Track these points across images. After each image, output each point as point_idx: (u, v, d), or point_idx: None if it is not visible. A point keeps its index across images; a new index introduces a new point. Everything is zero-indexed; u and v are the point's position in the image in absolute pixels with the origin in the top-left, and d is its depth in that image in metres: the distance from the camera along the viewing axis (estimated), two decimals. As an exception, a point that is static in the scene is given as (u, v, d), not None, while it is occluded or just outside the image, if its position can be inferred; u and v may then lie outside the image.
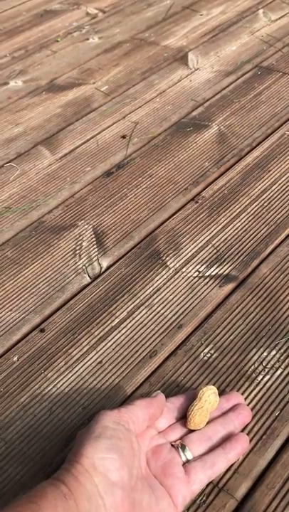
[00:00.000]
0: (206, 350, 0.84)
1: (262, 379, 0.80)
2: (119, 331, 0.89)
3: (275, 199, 1.08)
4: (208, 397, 0.72)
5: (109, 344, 0.87)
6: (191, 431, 0.71)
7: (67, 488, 0.58)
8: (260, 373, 0.81)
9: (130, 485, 0.62)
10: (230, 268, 0.96)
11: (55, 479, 0.60)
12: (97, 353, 0.86)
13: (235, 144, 1.22)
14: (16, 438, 0.77)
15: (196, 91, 1.42)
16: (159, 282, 0.96)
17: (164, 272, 0.97)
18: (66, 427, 0.77)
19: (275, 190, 1.10)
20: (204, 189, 1.13)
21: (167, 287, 0.95)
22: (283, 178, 1.12)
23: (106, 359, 0.85)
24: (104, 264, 1.01)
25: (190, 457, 0.68)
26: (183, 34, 1.68)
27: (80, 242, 1.05)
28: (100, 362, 0.85)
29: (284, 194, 1.09)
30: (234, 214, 1.06)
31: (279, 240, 1.00)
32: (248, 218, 1.04)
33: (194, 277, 0.96)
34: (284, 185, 1.11)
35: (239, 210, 1.07)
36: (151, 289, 0.95)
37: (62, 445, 0.75)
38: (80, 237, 1.06)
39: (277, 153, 1.19)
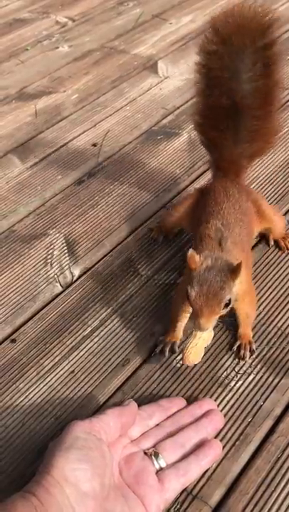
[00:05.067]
0: (178, 357, 0.84)
1: (234, 385, 0.80)
2: (92, 340, 0.88)
3: (246, 205, 1.09)
4: (202, 335, 0.73)
5: (81, 353, 0.86)
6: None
7: (38, 501, 0.58)
8: (232, 379, 0.81)
9: (102, 495, 0.61)
10: (201, 275, 0.96)
11: (26, 492, 0.59)
12: (69, 362, 0.85)
13: (205, 151, 1.23)
14: (-13, 451, 0.75)
15: (166, 99, 1.43)
16: (131, 290, 0.95)
17: (136, 279, 0.97)
18: (38, 438, 0.77)
19: (246, 196, 1.11)
20: (175, 196, 1.14)
21: (139, 295, 0.95)
22: (254, 184, 1.14)
23: (78, 368, 0.84)
24: (76, 272, 1.00)
25: (163, 465, 0.68)
26: (152, 42, 1.69)
27: (51, 250, 1.04)
28: (73, 371, 0.84)
29: (254, 200, 1.10)
30: (205, 221, 1.07)
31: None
32: (218, 225, 1.05)
33: (166, 284, 0.96)
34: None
35: (210, 216, 1.07)
36: (124, 297, 0.94)
37: (34, 457, 0.74)
38: (52, 246, 1.05)
39: (247, 160, 1.20)
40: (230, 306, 0.74)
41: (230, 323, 0.83)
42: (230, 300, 0.74)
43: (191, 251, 0.75)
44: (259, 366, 0.82)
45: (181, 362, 0.83)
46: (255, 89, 0.89)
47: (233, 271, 0.73)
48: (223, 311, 0.74)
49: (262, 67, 0.88)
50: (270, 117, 0.93)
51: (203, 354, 0.76)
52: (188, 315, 0.82)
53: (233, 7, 0.88)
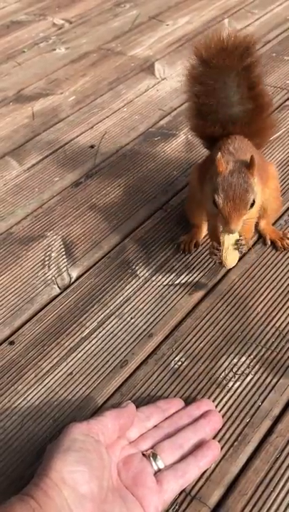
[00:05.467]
0: (176, 358, 0.84)
1: (232, 385, 0.80)
2: (90, 342, 0.88)
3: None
4: (232, 236, 0.81)
5: (79, 355, 0.86)
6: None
7: (36, 503, 0.58)
8: (230, 380, 0.81)
9: (100, 497, 0.61)
10: (199, 275, 0.97)
11: (24, 494, 0.59)
12: (67, 364, 0.85)
13: (202, 152, 1.23)
14: (-14, 453, 0.75)
15: (163, 100, 1.43)
16: (129, 291, 0.95)
17: (133, 281, 0.97)
18: (37, 440, 0.77)
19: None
20: (173, 197, 1.14)
21: (137, 296, 0.95)
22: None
23: (76, 370, 0.84)
24: (74, 274, 1.00)
25: (161, 466, 0.68)
26: (149, 44, 1.69)
27: (49, 252, 1.04)
28: (71, 373, 0.84)
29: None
30: (203, 222, 1.07)
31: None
32: (216, 226, 1.05)
33: (164, 286, 0.96)
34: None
35: (207, 217, 1.07)
36: (122, 298, 0.94)
37: (33, 459, 0.74)
38: (49, 248, 1.05)
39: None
40: (254, 205, 0.82)
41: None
42: (254, 200, 0.81)
43: (219, 154, 0.81)
44: (257, 367, 0.82)
45: (179, 363, 0.84)
46: (244, 112, 0.93)
47: (249, 166, 0.80)
48: (249, 212, 0.81)
49: (246, 89, 0.92)
50: (263, 121, 0.97)
51: (238, 257, 0.86)
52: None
53: (213, 34, 0.92)
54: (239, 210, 0.79)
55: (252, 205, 0.81)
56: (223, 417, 0.76)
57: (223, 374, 0.82)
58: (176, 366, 0.83)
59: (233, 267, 0.90)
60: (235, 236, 0.83)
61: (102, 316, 0.92)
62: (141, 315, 0.91)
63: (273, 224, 1.03)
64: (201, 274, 0.97)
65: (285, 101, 1.37)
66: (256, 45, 0.93)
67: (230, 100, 0.92)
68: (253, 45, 0.92)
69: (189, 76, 0.95)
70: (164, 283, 0.96)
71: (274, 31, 1.68)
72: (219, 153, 0.83)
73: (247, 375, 0.81)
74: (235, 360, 0.83)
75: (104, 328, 0.90)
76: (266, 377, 0.81)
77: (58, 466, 0.60)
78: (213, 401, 0.78)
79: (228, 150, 0.86)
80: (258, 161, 0.84)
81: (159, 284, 0.96)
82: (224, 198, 0.79)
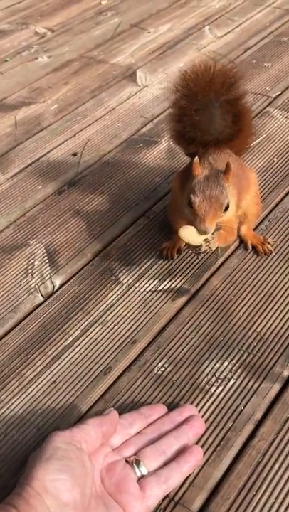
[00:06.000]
0: (159, 365, 0.85)
1: (215, 390, 0.81)
2: (73, 350, 0.88)
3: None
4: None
5: (63, 363, 0.87)
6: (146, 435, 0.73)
7: (18, 512, 0.58)
8: (213, 385, 0.82)
9: (83, 504, 0.61)
10: (182, 281, 0.97)
11: (7, 504, 0.59)
12: (51, 372, 0.86)
13: (184, 159, 1.24)
14: None
15: (145, 108, 1.44)
16: (112, 299, 0.96)
17: (117, 288, 0.98)
18: (21, 448, 0.77)
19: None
20: (155, 204, 1.15)
21: (120, 303, 0.95)
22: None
23: (60, 378, 0.85)
24: (57, 282, 1.00)
25: (145, 472, 0.69)
26: (131, 52, 1.70)
27: (32, 261, 1.04)
28: (54, 381, 0.84)
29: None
30: (185, 228, 1.08)
31: (229, 252, 1.02)
32: (198, 232, 1.06)
33: (147, 292, 0.96)
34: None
35: (189, 223, 1.08)
36: (105, 305, 0.95)
37: (17, 467, 0.74)
38: (32, 256, 1.05)
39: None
40: (228, 210, 0.84)
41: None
42: (228, 204, 0.83)
43: (196, 158, 0.83)
44: (239, 371, 0.83)
45: (162, 369, 0.84)
46: (227, 134, 0.95)
47: (225, 172, 0.83)
48: (224, 215, 0.83)
49: (231, 118, 0.94)
50: (245, 135, 0.99)
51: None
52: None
53: (201, 64, 0.94)
54: (214, 210, 0.81)
55: (226, 208, 0.82)
56: (206, 421, 0.77)
57: (205, 379, 0.82)
58: (159, 372, 0.84)
59: (215, 273, 0.91)
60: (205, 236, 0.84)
61: (86, 323, 0.92)
62: (124, 322, 0.92)
63: (254, 229, 1.04)
64: (184, 279, 0.98)
65: (265, 107, 1.38)
66: (242, 80, 0.94)
67: (215, 127, 0.94)
68: (238, 80, 0.93)
69: (174, 107, 0.96)
70: (147, 289, 0.97)
71: (254, 38, 1.70)
72: (196, 157, 0.84)
73: (229, 380, 0.82)
74: (217, 365, 0.84)
75: (87, 336, 0.90)
76: (248, 382, 0.81)
77: (39, 474, 0.60)
78: (196, 406, 0.79)
79: (208, 160, 0.88)
80: (237, 171, 0.85)
81: (142, 290, 0.97)
82: (200, 197, 0.81)
